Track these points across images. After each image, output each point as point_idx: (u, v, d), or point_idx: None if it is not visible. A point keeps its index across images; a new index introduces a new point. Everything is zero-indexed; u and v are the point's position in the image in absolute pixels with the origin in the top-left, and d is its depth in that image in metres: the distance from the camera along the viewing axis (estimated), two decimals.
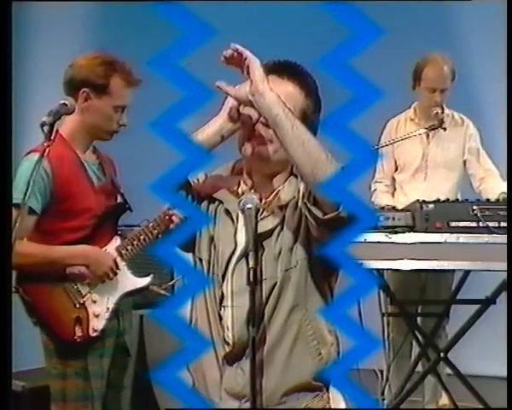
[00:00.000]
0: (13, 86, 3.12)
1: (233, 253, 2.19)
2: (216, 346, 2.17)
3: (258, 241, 2.13)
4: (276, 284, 2.15)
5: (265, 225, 2.18)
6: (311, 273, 2.17)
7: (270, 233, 2.17)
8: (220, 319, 2.18)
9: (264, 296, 2.14)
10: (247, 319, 2.10)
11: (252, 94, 2.06)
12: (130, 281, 3.24)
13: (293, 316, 2.15)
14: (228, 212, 2.23)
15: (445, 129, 4.51)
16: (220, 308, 2.18)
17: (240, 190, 2.26)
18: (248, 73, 2.06)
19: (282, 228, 2.18)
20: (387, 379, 4.57)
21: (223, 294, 2.18)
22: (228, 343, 2.17)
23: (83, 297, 3.11)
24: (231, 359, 2.16)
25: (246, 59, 2.06)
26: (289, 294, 2.15)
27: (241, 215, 2.19)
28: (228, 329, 2.17)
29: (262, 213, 2.19)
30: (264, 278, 2.14)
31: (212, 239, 2.23)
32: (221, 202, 2.26)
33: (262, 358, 2.12)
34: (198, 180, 2.30)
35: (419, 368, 4.52)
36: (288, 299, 2.15)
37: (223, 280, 2.19)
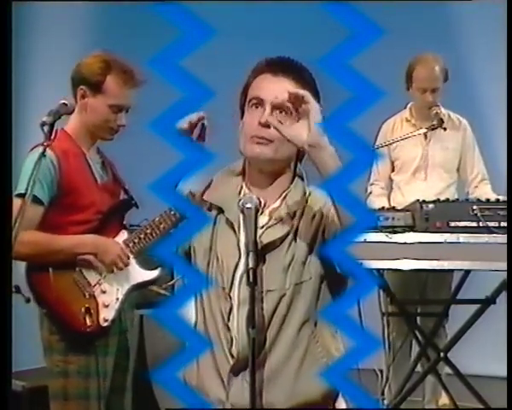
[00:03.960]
0: (13, 86, 3.12)
1: (237, 264, 2.14)
2: (220, 355, 2.13)
3: (257, 240, 2.07)
4: (283, 296, 2.10)
5: (274, 233, 2.12)
6: (327, 289, 2.12)
7: (279, 242, 2.11)
8: (228, 329, 2.13)
9: (270, 308, 2.09)
10: (247, 321, 2.06)
11: (311, 145, 2.00)
12: (139, 273, 3.25)
13: (302, 332, 2.11)
14: (228, 221, 2.18)
15: (445, 129, 4.50)
16: (228, 320, 2.13)
17: (242, 194, 2.21)
18: (298, 111, 2.03)
19: (294, 237, 2.11)
20: (387, 379, 4.56)
21: (231, 305, 2.13)
22: (233, 356, 2.12)
23: (92, 287, 3.12)
24: (237, 371, 2.12)
25: (307, 103, 2.01)
26: (300, 309, 2.10)
27: (240, 216, 2.13)
28: (234, 340, 2.12)
29: (269, 220, 2.14)
30: (270, 289, 2.10)
31: (209, 250, 2.17)
32: (222, 210, 2.20)
33: (269, 373, 2.09)
34: (198, 186, 2.27)
35: (419, 368, 4.52)
36: (298, 314, 2.11)
37: (229, 292, 2.14)
